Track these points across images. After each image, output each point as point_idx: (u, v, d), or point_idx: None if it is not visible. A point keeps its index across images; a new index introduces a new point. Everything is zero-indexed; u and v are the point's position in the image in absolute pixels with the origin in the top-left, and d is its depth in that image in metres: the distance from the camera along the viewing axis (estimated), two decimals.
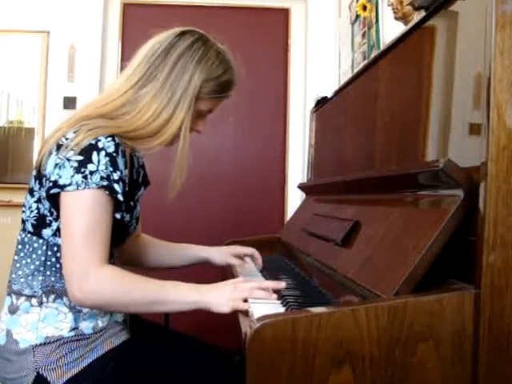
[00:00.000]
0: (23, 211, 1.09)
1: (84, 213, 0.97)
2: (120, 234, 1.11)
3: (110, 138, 1.01)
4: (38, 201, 1.06)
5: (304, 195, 2.11)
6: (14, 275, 1.08)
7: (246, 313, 1.00)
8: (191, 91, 1.09)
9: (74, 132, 1.01)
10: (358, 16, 2.30)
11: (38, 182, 1.06)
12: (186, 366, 1.11)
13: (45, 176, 1.03)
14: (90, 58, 2.68)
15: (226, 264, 1.44)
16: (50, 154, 1.03)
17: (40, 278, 1.05)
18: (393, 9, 1.74)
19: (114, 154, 1.00)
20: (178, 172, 1.15)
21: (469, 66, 0.89)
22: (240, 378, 0.85)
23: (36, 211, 1.06)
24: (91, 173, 0.97)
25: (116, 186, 1.00)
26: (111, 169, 0.99)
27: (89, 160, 0.98)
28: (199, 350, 1.25)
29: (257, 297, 1.03)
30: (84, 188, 0.97)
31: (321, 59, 2.77)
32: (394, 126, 1.21)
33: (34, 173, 1.07)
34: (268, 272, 1.43)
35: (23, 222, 1.09)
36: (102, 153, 0.99)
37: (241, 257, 1.46)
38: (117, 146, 1.01)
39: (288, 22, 2.92)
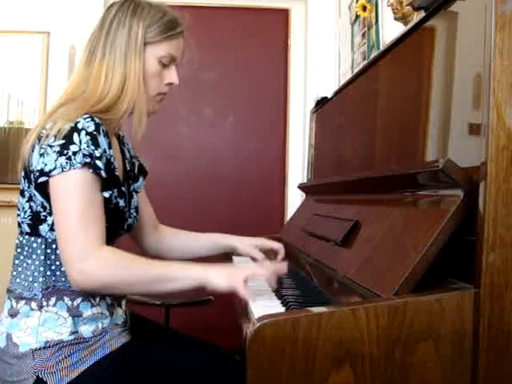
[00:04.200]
0: (18, 214, 1.09)
1: (74, 194, 0.98)
2: (117, 220, 1.11)
3: (88, 119, 1.01)
4: (30, 199, 1.06)
5: (304, 195, 2.11)
6: (18, 279, 1.08)
7: (244, 305, 1.00)
8: (134, 40, 1.10)
9: (52, 121, 1.02)
10: (357, 16, 2.30)
11: (26, 180, 1.06)
12: (187, 367, 1.11)
13: (32, 171, 1.04)
14: None
15: (249, 255, 1.42)
16: (33, 148, 1.04)
17: (40, 279, 1.05)
18: (392, 9, 1.74)
19: (95, 133, 1.01)
20: (136, 121, 1.13)
21: (468, 66, 0.89)
22: (240, 378, 0.85)
23: (29, 210, 1.06)
24: (74, 153, 0.98)
25: (98, 163, 1.00)
26: (93, 147, 1.00)
27: (71, 142, 0.99)
28: (199, 349, 1.26)
29: (256, 272, 1.03)
30: (69, 169, 0.97)
31: (321, 59, 2.77)
32: (394, 126, 1.21)
33: (22, 173, 1.08)
34: None
35: (19, 225, 1.09)
36: (83, 132, 1.00)
37: (267, 250, 1.43)
38: (97, 125, 1.02)
39: (288, 22, 2.92)
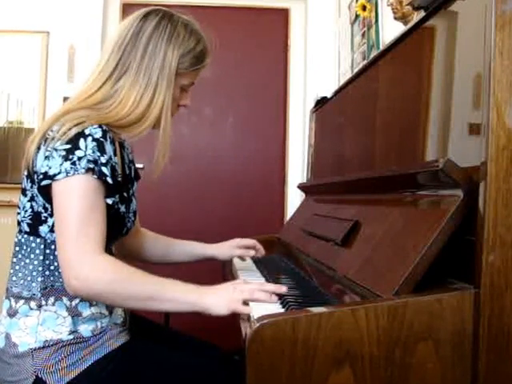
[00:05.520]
0: (18, 213, 1.09)
1: (76, 199, 0.97)
2: (117, 226, 1.10)
3: (96, 126, 1.01)
4: (31, 199, 1.06)
5: (304, 195, 2.11)
6: (14, 278, 1.08)
7: (246, 316, 0.99)
8: (168, 70, 1.11)
9: (60, 124, 1.02)
10: (357, 16, 2.30)
11: (29, 180, 1.06)
12: (186, 367, 1.11)
13: (36, 172, 1.03)
14: (89, 58, 2.68)
15: (231, 257, 1.48)
16: (39, 149, 1.03)
17: (39, 278, 1.05)
18: (392, 9, 1.74)
19: (102, 139, 1.00)
20: (161, 151, 1.15)
21: (468, 66, 0.89)
22: (240, 378, 0.85)
23: (30, 210, 1.06)
24: (79, 158, 0.98)
25: (104, 169, 1.00)
26: (98, 153, 0.99)
27: (76, 147, 0.98)
28: (199, 350, 1.25)
29: (256, 298, 1.00)
30: (73, 174, 0.97)
31: (320, 59, 2.77)
32: (394, 126, 1.21)
33: (25, 172, 1.08)
34: (268, 272, 1.43)
35: (19, 223, 1.09)
36: (89, 138, 0.99)
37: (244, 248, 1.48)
38: (104, 132, 1.02)
39: (288, 22, 2.92)
